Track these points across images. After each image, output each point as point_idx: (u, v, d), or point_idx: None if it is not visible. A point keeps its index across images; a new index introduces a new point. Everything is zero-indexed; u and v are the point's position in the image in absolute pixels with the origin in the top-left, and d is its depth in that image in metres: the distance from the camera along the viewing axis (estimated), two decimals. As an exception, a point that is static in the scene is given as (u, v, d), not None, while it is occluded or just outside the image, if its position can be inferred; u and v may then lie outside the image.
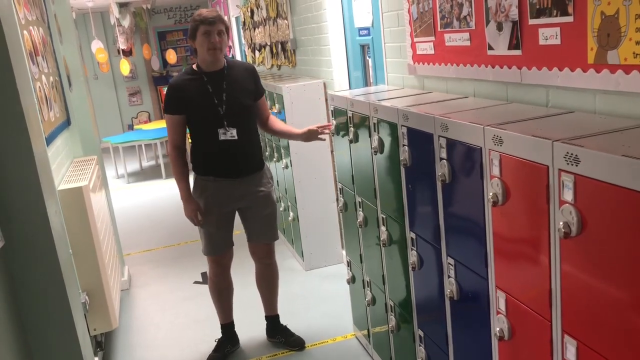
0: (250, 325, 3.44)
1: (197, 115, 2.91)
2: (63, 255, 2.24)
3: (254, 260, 3.22)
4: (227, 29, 2.88)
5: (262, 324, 3.36)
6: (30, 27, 3.09)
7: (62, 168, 3.41)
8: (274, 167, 4.64)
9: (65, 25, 4.33)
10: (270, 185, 3.10)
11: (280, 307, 3.36)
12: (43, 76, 3.17)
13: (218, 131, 2.86)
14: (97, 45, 8.74)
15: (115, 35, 9.79)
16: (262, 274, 3.25)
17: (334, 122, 2.94)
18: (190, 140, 3.10)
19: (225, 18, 2.90)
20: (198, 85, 2.88)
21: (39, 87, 3.00)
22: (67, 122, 3.79)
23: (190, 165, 3.05)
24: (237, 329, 3.33)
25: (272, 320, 3.33)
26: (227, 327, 3.28)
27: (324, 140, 3.16)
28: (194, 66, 2.94)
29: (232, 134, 2.87)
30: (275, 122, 3.18)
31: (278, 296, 3.30)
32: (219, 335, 3.28)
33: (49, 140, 3.02)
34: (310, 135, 3.06)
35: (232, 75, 2.92)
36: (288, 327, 3.32)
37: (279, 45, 5.18)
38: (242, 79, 2.96)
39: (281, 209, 4.66)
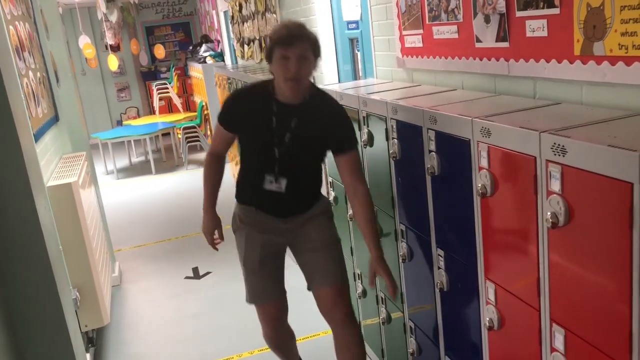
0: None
1: (248, 143, 2.32)
2: (53, 252, 2.23)
3: (326, 319, 2.45)
4: (317, 49, 2.12)
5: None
6: (16, 23, 3.06)
7: (51, 164, 3.39)
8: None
9: (52, 20, 4.30)
10: (329, 213, 2.44)
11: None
12: (30, 72, 3.14)
13: (265, 177, 2.24)
14: (84, 41, 8.68)
15: (102, 30, 9.71)
16: (341, 340, 2.43)
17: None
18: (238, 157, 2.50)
19: (314, 32, 2.21)
20: (264, 110, 2.20)
21: (26, 83, 2.98)
22: (55, 118, 3.76)
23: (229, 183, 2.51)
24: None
25: None
26: None
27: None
28: (273, 85, 2.21)
29: (280, 185, 2.23)
30: (359, 209, 2.23)
31: None
32: (211, 329, 3.27)
33: (37, 136, 3.00)
34: (373, 268, 2.23)
35: (308, 113, 2.19)
36: None
37: (268, 39, 5.16)
38: (320, 121, 2.21)
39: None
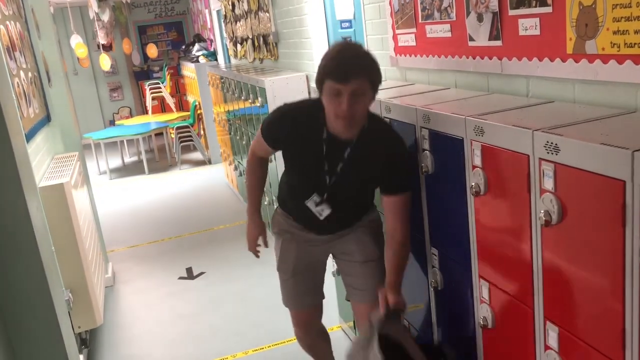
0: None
1: (296, 162, 2.11)
2: (45, 253, 2.22)
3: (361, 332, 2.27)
4: (376, 80, 1.85)
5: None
6: (7, 22, 3.04)
7: (43, 165, 3.37)
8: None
9: (43, 19, 4.27)
10: (373, 226, 2.21)
11: (268, 300, 3.35)
12: (21, 72, 3.12)
13: (312, 197, 2.06)
14: (76, 40, 8.63)
15: (94, 30, 9.66)
16: None
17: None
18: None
19: (375, 67, 1.86)
20: (313, 135, 1.98)
21: (17, 82, 2.96)
22: (47, 119, 3.74)
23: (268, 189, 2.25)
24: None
25: None
26: None
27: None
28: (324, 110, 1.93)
29: (323, 211, 2.07)
30: (394, 255, 2.02)
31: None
32: (205, 329, 3.26)
33: (29, 136, 2.98)
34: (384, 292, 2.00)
35: (363, 145, 1.95)
36: None
37: (261, 39, 5.15)
38: (375, 155, 1.95)
39: (266, 202, 4.66)
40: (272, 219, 2.34)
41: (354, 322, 3.03)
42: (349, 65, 1.78)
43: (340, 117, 1.84)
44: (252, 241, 2.35)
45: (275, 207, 2.34)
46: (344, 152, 1.96)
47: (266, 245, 2.36)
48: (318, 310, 2.43)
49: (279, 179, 2.29)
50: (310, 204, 2.06)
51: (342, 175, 1.99)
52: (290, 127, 2.03)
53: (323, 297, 2.40)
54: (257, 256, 2.39)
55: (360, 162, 1.97)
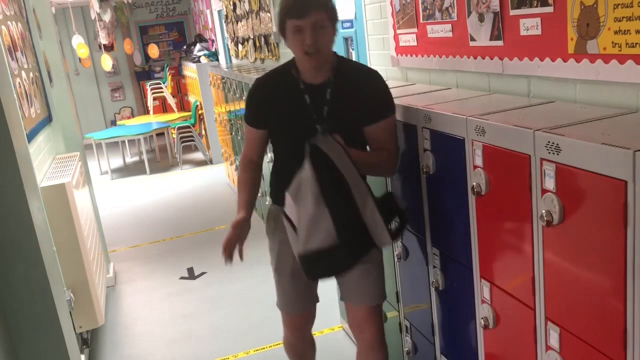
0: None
1: (284, 131, 2.08)
2: (47, 253, 2.22)
3: (354, 334, 2.28)
4: (333, 14, 1.91)
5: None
6: (9, 22, 3.04)
7: (45, 165, 3.37)
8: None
9: (45, 20, 4.27)
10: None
11: (269, 300, 3.34)
12: (23, 72, 3.13)
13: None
14: (77, 41, 8.64)
15: (96, 30, 9.67)
16: (361, 357, 2.26)
17: None
18: (272, 156, 2.25)
19: None
20: (292, 91, 2.01)
21: (19, 83, 2.97)
22: (49, 119, 3.75)
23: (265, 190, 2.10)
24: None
25: None
26: None
27: None
28: (293, 66, 2.03)
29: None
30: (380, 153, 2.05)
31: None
32: (206, 329, 3.26)
33: (30, 136, 2.98)
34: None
35: (342, 82, 1.99)
36: None
37: (262, 39, 5.15)
38: (355, 91, 2.00)
39: (267, 203, 4.66)
40: (267, 219, 2.26)
41: (355, 322, 3.03)
42: (306, 1, 1.86)
43: (307, 53, 1.89)
44: (224, 247, 2.06)
45: (269, 206, 2.27)
46: (325, 95, 1.97)
47: (241, 257, 2.07)
48: (313, 314, 2.36)
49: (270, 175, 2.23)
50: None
51: (330, 118, 1.98)
52: (267, 92, 2.06)
53: (318, 300, 2.33)
54: (228, 264, 2.08)
55: (343, 100, 1.98)
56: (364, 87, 2.00)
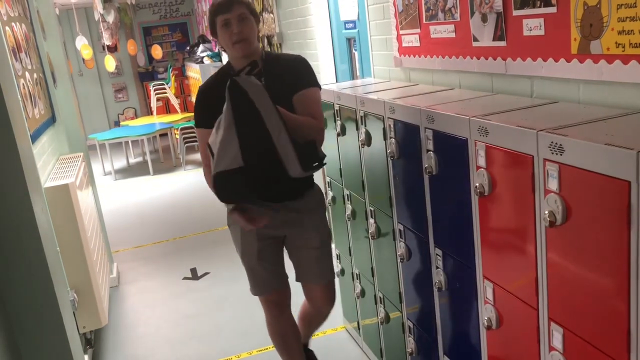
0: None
1: None
2: (50, 253, 2.23)
3: (310, 305, 2.63)
4: (253, 11, 2.26)
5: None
6: (13, 24, 3.05)
7: (48, 165, 3.38)
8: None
9: (49, 21, 4.29)
10: (323, 209, 2.49)
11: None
12: (27, 73, 3.14)
13: None
14: (81, 42, 8.66)
15: (99, 31, 9.69)
16: (309, 314, 2.68)
17: None
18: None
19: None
20: None
21: (23, 84, 2.98)
22: (53, 119, 3.76)
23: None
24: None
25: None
26: None
27: None
28: (227, 64, 2.34)
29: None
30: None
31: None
32: (209, 329, 3.27)
33: (34, 137, 2.99)
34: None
35: (272, 69, 2.27)
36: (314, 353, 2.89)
37: (265, 39, 5.16)
38: (284, 73, 2.27)
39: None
40: (228, 211, 2.33)
41: (357, 322, 3.03)
42: (230, 0, 2.19)
43: (236, 42, 2.19)
44: (248, 222, 2.21)
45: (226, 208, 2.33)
46: (260, 82, 2.10)
47: (261, 221, 2.22)
48: (288, 289, 2.54)
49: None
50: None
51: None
52: (210, 93, 2.27)
53: (287, 277, 2.51)
54: (254, 225, 2.22)
55: (276, 83, 2.19)
56: (291, 66, 2.30)
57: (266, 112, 1.99)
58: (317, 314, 2.65)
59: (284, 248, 2.49)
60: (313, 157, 2.11)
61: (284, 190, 2.22)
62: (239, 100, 1.98)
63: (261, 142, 2.00)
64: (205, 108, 2.27)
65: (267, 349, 3.19)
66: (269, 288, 2.48)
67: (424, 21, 2.40)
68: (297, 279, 2.51)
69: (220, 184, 2.08)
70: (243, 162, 1.99)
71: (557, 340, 1.41)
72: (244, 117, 1.99)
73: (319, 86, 2.31)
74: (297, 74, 2.27)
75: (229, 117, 1.98)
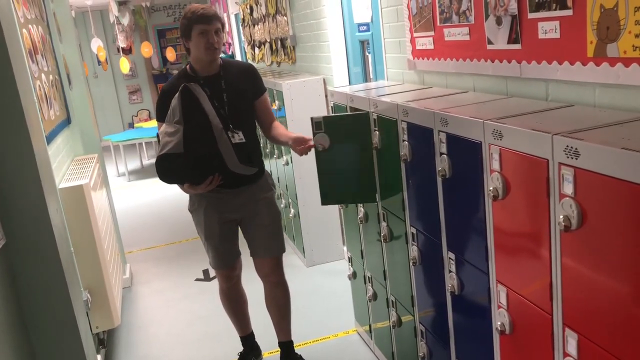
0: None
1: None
2: (64, 254, 2.24)
3: (261, 279, 2.94)
4: (224, 26, 2.66)
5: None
6: (30, 26, 3.09)
7: (63, 166, 3.41)
8: (275, 164, 4.64)
9: (65, 23, 4.33)
10: (273, 192, 2.85)
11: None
12: (43, 75, 3.17)
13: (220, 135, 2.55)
14: (97, 44, 8.74)
15: (114, 33, 9.78)
16: (270, 294, 2.95)
17: (319, 145, 2.53)
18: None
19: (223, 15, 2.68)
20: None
21: (39, 85, 3.01)
22: (68, 121, 3.79)
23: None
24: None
25: (286, 347, 3.03)
26: (247, 339, 3.13)
27: (299, 154, 2.62)
28: (188, 68, 2.67)
29: (240, 136, 2.60)
30: (278, 127, 2.81)
31: (291, 319, 3.01)
32: (221, 330, 3.27)
33: (50, 138, 3.02)
34: (295, 144, 2.62)
35: (230, 74, 2.67)
36: (303, 357, 3.03)
37: (279, 42, 5.17)
38: (240, 78, 2.70)
39: (282, 205, 4.66)
40: (189, 202, 2.86)
41: (369, 325, 3.02)
42: (211, 13, 2.57)
43: (210, 49, 2.56)
44: (202, 187, 2.61)
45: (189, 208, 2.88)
46: (221, 85, 2.64)
47: (213, 181, 2.59)
48: (240, 266, 2.97)
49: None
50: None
51: (229, 101, 2.63)
52: (173, 93, 2.55)
53: (240, 253, 2.93)
54: (212, 187, 2.60)
55: (235, 86, 2.67)
56: (246, 73, 2.75)
57: (211, 114, 2.52)
58: (270, 289, 2.94)
59: (239, 228, 2.88)
60: (250, 156, 2.65)
61: (238, 177, 2.63)
62: (187, 100, 2.49)
63: (204, 135, 2.50)
64: (167, 106, 2.59)
65: (277, 351, 3.19)
66: (228, 263, 2.89)
67: (438, 24, 2.39)
68: (251, 254, 2.88)
69: (161, 165, 2.51)
70: (184, 149, 2.45)
71: (572, 347, 1.39)
72: (190, 114, 2.48)
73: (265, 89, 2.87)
74: (254, 80, 2.76)
75: (178, 114, 2.47)
